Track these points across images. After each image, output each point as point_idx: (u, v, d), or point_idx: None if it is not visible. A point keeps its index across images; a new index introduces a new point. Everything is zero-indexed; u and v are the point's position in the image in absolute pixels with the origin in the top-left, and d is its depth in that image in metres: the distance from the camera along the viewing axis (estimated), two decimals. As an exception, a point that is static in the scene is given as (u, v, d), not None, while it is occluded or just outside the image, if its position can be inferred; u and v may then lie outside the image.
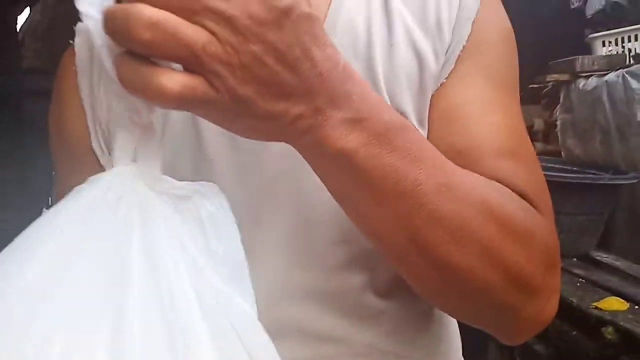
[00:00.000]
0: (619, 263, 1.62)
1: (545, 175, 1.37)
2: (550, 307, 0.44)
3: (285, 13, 0.27)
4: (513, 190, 0.41)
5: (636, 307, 1.22)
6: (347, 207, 0.37)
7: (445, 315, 0.54)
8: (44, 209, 2.67)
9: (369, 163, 0.32)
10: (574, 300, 1.25)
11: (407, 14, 0.45)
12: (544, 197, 0.45)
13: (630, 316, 1.15)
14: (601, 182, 1.60)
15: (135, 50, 0.26)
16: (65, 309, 0.25)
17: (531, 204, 0.42)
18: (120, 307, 0.25)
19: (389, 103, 0.43)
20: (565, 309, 1.29)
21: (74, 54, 0.49)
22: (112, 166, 0.30)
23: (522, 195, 0.42)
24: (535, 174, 0.46)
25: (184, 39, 0.25)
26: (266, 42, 0.27)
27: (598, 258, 1.67)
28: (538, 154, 1.96)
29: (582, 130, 2.00)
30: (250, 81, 0.27)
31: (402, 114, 0.43)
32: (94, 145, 0.48)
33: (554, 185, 1.39)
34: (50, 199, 2.81)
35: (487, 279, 0.37)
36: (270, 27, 0.27)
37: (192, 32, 0.25)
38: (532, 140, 2.47)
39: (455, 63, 0.45)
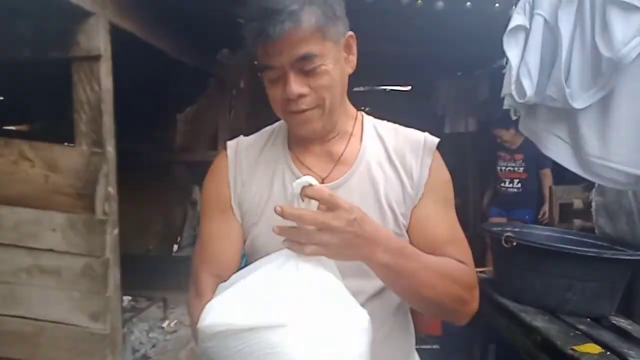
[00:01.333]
0: (630, 327, 1.85)
1: (562, 247, 1.75)
2: (474, 307, 0.92)
3: (355, 219, 0.74)
4: (455, 259, 0.91)
5: (608, 352, 1.52)
6: (387, 282, 0.84)
7: (409, 320, 1.05)
8: (175, 242, 3.45)
9: (394, 265, 0.79)
10: (559, 344, 1.58)
11: (398, 163, 0.97)
12: (469, 258, 0.95)
13: (595, 357, 1.46)
14: (605, 256, 1.88)
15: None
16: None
17: (463, 262, 0.92)
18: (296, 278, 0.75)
19: (388, 211, 0.94)
20: (553, 350, 1.62)
21: (224, 155, 1.02)
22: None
23: (459, 261, 0.92)
24: (464, 248, 0.95)
25: (324, 240, 0.74)
26: (349, 232, 0.74)
27: (614, 322, 1.92)
28: (577, 229, 2.32)
29: (611, 212, 2.27)
30: (342, 244, 0.74)
31: (394, 214, 0.94)
32: (234, 204, 1.00)
33: (569, 256, 1.76)
34: (179, 237, 3.61)
35: (447, 301, 0.85)
36: (349, 226, 0.74)
37: (327, 235, 0.74)
38: (572, 217, 2.74)
39: (421, 195, 0.95)
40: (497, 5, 2.58)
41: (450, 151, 4.95)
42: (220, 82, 2.64)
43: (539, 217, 3.92)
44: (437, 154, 0.96)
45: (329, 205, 0.74)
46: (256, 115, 3.95)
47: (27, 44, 1.22)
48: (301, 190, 0.76)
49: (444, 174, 0.97)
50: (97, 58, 1.22)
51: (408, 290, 0.85)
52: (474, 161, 5.18)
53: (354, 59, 0.95)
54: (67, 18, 1.18)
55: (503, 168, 4.22)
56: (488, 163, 4.57)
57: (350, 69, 0.95)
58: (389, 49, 3.63)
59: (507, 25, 1.62)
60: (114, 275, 1.40)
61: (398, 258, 0.80)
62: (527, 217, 3.99)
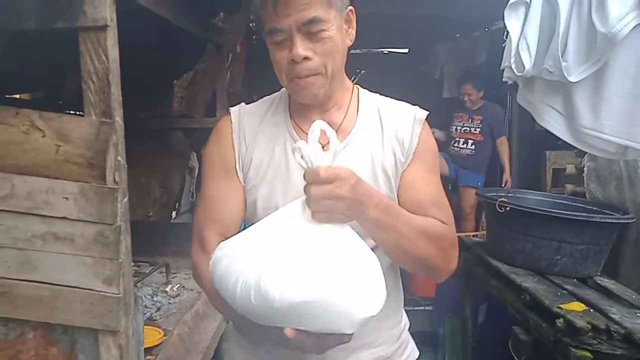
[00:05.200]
0: (613, 286, 1.97)
1: (553, 212, 1.90)
2: (452, 265, 1.02)
3: (353, 185, 0.82)
4: (438, 220, 1.00)
5: (591, 310, 1.63)
6: (374, 237, 0.92)
7: (399, 279, 1.13)
8: (174, 209, 3.49)
9: (381, 220, 0.88)
10: (546, 302, 1.68)
11: (391, 132, 1.04)
12: (451, 220, 1.04)
13: (580, 314, 1.56)
14: (593, 220, 1.97)
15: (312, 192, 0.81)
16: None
17: (445, 223, 1.01)
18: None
19: (382, 175, 1.01)
20: (541, 309, 1.73)
21: (228, 119, 1.08)
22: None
23: (442, 221, 1.00)
24: (446, 211, 1.04)
25: (332, 207, 0.81)
26: (350, 197, 0.82)
27: (599, 281, 2.04)
28: (569, 194, 2.42)
29: (602, 177, 2.36)
30: (346, 208, 0.82)
31: (387, 177, 1.01)
32: (237, 167, 1.06)
33: (560, 220, 1.89)
34: (177, 203, 3.65)
35: (427, 256, 0.96)
36: (350, 192, 0.82)
37: (334, 202, 0.81)
38: (565, 182, 2.84)
39: (410, 160, 1.03)
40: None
41: (448, 115, 5.00)
42: (217, 47, 2.62)
43: (502, 186, 3.94)
44: (426, 125, 1.06)
45: (329, 179, 0.81)
46: (251, 77, 3.94)
47: (33, 15, 1.21)
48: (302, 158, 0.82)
49: (432, 143, 1.06)
50: (103, 28, 1.22)
51: (392, 245, 0.92)
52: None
53: (353, 32, 1.02)
54: (73, -12, 1.17)
55: (459, 128, 4.20)
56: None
57: (349, 42, 1.01)
58: (386, 11, 3.59)
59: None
60: (126, 241, 1.45)
61: (385, 214, 0.89)
62: (479, 184, 4.04)
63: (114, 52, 1.26)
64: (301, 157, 0.81)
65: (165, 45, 2.20)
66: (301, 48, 0.92)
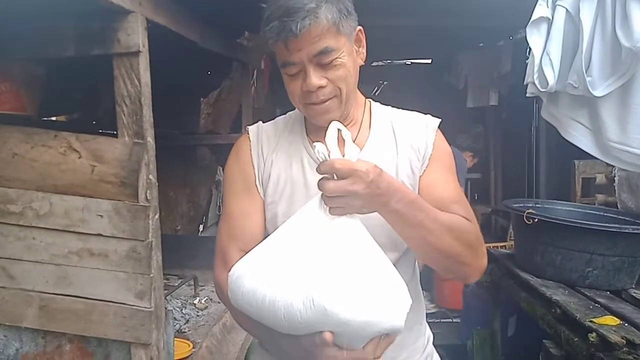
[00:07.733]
0: (648, 299, 1.91)
1: (583, 223, 1.84)
2: (483, 263, 1.01)
3: (371, 181, 0.81)
4: (460, 216, 0.99)
5: (626, 324, 1.58)
6: (398, 231, 0.91)
7: (419, 290, 1.13)
8: (201, 223, 3.54)
9: (405, 213, 0.87)
10: (578, 316, 1.64)
11: (405, 142, 1.06)
12: (473, 217, 1.03)
13: (614, 329, 1.52)
14: (625, 231, 1.91)
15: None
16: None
17: (468, 219, 1.00)
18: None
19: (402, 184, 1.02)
20: (572, 323, 1.69)
21: (246, 137, 1.11)
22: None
23: (464, 217, 1.00)
24: (467, 207, 1.04)
25: (347, 203, 0.82)
26: (367, 193, 0.81)
27: (634, 294, 1.97)
28: (600, 204, 2.35)
29: (634, 186, 2.29)
30: (362, 204, 0.83)
31: (406, 185, 1.02)
32: (257, 184, 1.09)
33: (590, 232, 1.83)
34: (204, 217, 3.71)
35: (454, 252, 0.95)
36: (367, 188, 0.81)
37: (349, 199, 0.82)
38: (595, 192, 2.76)
39: (427, 166, 1.04)
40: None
41: (472, 125, 4.91)
42: (242, 64, 2.69)
43: None
44: (439, 131, 1.08)
45: (344, 174, 0.81)
46: (275, 92, 4.00)
47: (71, 43, 1.29)
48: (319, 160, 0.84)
49: (446, 147, 1.08)
50: (136, 54, 1.28)
51: (419, 240, 0.92)
52: (495, 135, 5.14)
53: (363, 51, 1.04)
54: (107, 17, 1.24)
55: None
56: (511, 137, 4.49)
57: (360, 61, 1.03)
58: (408, 23, 3.61)
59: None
60: (157, 256, 1.50)
61: (408, 207, 0.88)
62: None
63: (145, 76, 1.32)
64: (318, 156, 0.83)
65: (193, 65, 2.28)
66: (315, 78, 0.94)
